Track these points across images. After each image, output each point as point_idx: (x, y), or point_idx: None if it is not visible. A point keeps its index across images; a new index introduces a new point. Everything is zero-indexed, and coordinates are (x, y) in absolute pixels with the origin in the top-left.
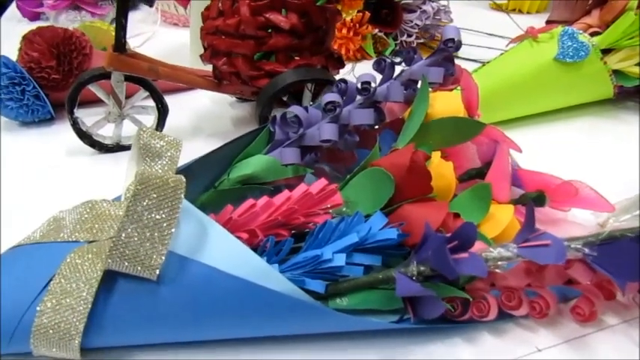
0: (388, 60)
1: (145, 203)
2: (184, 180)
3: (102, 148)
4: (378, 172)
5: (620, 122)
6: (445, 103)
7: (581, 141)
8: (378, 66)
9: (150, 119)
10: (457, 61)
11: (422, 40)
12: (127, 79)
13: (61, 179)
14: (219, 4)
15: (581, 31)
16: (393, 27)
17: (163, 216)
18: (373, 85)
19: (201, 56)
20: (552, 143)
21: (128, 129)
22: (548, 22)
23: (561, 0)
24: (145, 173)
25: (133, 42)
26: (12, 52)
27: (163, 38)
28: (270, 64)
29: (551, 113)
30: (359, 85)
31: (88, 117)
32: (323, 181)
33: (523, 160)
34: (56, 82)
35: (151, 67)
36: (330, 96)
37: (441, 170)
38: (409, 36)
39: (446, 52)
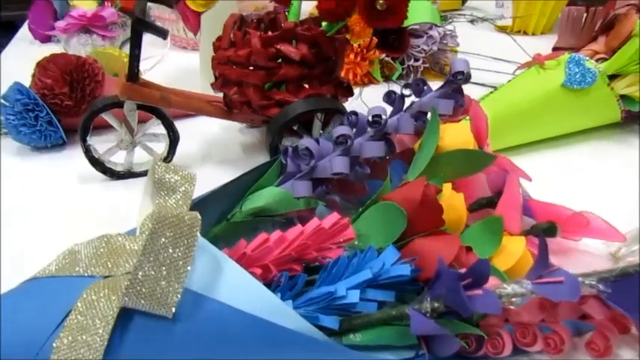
0: (398, 92)
1: (161, 241)
2: (200, 217)
3: (113, 174)
4: (390, 206)
5: (628, 146)
6: (455, 135)
7: (589, 165)
8: (388, 98)
9: (161, 146)
10: (463, 86)
11: (428, 65)
12: (140, 107)
13: (74, 205)
14: (231, 35)
15: (587, 58)
16: (400, 52)
17: (180, 254)
18: (384, 117)
19: (212, 85)
20: (560, 168)
21: (139, 156)
22: (554, 48)
23: (567, 27)
24: (162, 211)
25: (143, 65)
26: (25, 75)
27: (173, 61)
28: (280, 93)
29: (558, 138)
30: (370, 118)
31: (99, 144)
32: (335, 216)
33: (531, 186)
34: (69, 108)
35: (163, 96)
36: (341, 129)
37: (452, 202)
38: (416, 60)
39: (455, 83)
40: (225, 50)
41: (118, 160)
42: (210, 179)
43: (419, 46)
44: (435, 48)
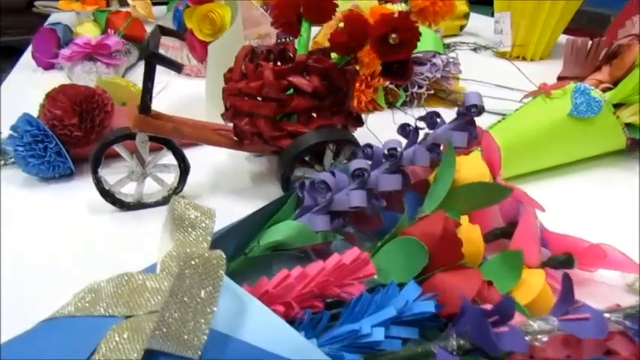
0: (412, 125)
1: (187, 282)
2: (224, 257)
3: (123, 206)
4: (410, 241)
5: (634, 173)
6: (470, 167)
7: (596, 193)
8: (403, 131)
9: (170, 177)
10: None
11: (432, 92)
12: (151, 138)
13: (83, 236)
14: (242, 67)
15: (593, 87)
16: (404, 79)
17: (205, 295)
18: (399, 149)
19: (222, 115)
20: (568, 196)
21: (149, 186)
22: (559, 78)
23: (572, 57)
24: (187, 251)
25: None
26: (28, 103)
27: (177, 88)
28: (291, 124)
29: (564, 165)
30: (386, 151)
31: (108, 175)
32: (356, 251)
33: (540, 214)
34: (78, 138)
35: (175, 128)
36: (357, 162)
37: (470, 235)
38: (420, 87)
39: (468, 116)
40: (236, 82)
41: (127, 190)
42: (220, 209)
43: (422, 74)
44: (438, 75)
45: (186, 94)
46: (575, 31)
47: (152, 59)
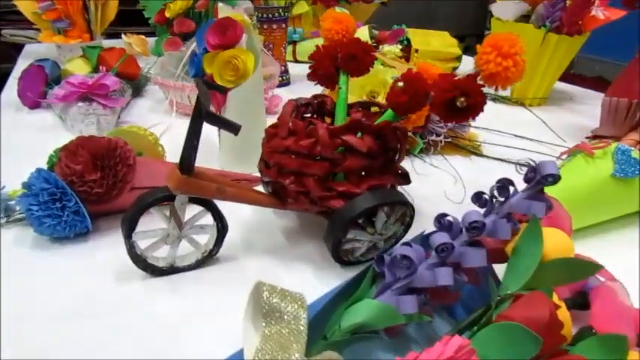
0: (487, 194)
1: None
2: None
3: (155, 271)
4: (515, 329)
5: None
6: (555, 241)
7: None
8: (478, 200)
9: (204, 237)
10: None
11: (449, 139)
12: (191, 199)
13: (107, 308)
14: (290, 124)
15: (632, 148)
16: (422, 127)
17: None
18: (480, 220)
19: (259, 169)
20: (608, 256)
21: (181, 248)
22: (595, 136)
23: (609, 117)
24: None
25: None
26: (21, 146)
27: (179, 130)
28: (342, 184)
29: (602, 223)
30: (467, 224)
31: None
32: (457, 340)
33: None
34: (99, 195)
35: (219, 189)
36: (440, 237)
37: (561, 314)
38: (437, 135)
39: (542, 185)
40: (283, 139)
41: (159, 254)
42: (257, 273)
43: (440, 121)
44: (454, 122)
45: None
46: (570, 76)
47: (209, 120)
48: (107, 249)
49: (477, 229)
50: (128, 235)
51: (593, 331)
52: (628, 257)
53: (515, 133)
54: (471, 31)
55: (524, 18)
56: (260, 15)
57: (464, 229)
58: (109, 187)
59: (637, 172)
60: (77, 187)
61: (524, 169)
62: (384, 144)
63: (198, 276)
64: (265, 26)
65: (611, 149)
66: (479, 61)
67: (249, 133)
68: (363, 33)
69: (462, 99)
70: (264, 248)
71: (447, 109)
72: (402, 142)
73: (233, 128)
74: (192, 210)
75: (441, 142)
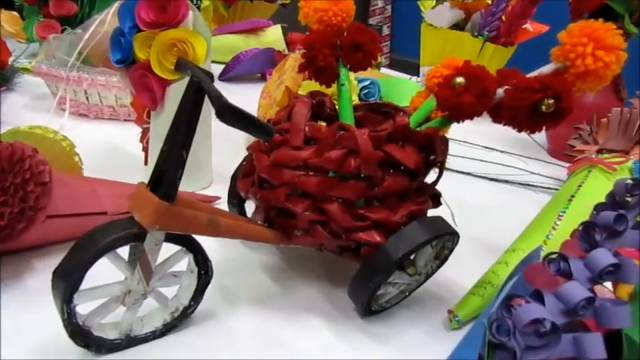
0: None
1: None
2: None
3: (102, 346)
4: None
5: None
6: None
7: None
8: (587, 234)
9: (172, 289)
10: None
11: None
12: (167, 238)
13: None
14: (306, 129)
15: None
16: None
17: None
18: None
19: (247, 193)
20: None
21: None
22: (601, 150)
23: (620, 130)
24: None
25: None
26: None
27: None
28: (377, 211)
29: None
30: (597, 270)
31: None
32: None
33: None
34: None
35: (211, 222)
36: (580, 292)
37: None
38: None
39: None
40: (297, 150)
41: (108, 320)
42: (251, 333)
43: None
44: None
45: (111, 143)
46: None
47: (229, 118)
48: (16, 310)
49: (612, 274)
50: (68, 299)
51: None
52: None
53: (476, 144)
54: None
55: (456, 27)
56: None
57: (591, 276)
58: (15, 218)
59: None
60: None
61: None
62: (427, 157)
63: (165, 344)
64: None
65: (629, 166)
66: (569, 54)
67: (194, 143)
68: (276, 32)
69: (551, 101)
70: (251, 297)
71: (530, 114)
72: (445, 155)
73: (265, 132)
74: (165, 251)
75: None
